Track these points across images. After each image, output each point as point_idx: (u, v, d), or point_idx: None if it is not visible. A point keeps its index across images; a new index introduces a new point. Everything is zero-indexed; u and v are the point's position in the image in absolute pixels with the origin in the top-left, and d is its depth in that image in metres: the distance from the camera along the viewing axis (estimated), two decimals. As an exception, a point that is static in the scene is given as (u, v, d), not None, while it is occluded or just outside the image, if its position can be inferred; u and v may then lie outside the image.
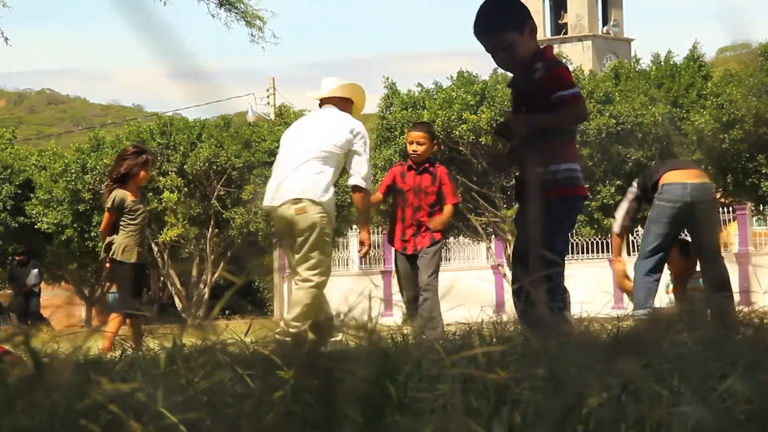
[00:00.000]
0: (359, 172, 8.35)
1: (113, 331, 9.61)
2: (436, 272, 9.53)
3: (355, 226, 35.47)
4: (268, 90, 43.33)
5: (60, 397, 1.95)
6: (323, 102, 8.64)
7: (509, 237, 28.34)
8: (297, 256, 8.20)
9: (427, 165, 9.43)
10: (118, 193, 9.90)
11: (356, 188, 8.40)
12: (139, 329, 9.72)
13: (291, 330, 7.96)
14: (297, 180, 8.18)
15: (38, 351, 2.03)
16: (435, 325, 8.81)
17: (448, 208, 9.47)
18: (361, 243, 8.63)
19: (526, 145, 5.53)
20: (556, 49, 38.23)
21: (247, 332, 3.07)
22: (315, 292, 8.12)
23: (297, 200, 8.12)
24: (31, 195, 32.00)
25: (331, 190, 8.29)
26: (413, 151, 9.40)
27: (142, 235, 9.97)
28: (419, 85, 29.46)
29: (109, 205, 9.87)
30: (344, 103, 8.63)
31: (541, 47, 5.67)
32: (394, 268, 9.85)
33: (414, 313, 9.09)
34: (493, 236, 29.55)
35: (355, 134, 8.40)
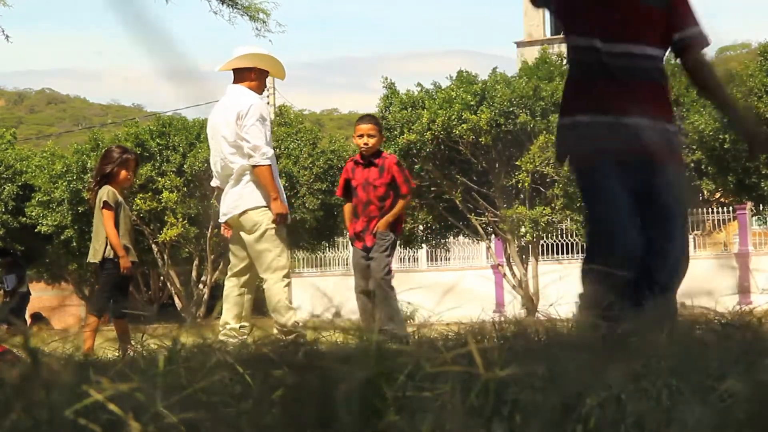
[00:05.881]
0: (251, 152, 8.24)
1: (90, 335, 9.55)
2: (387, 268, 9.24)
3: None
4: (268, 90, 43.30)
5: (59, 397, 1.95)
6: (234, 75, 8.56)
7: (509, 236, 28.33)
8: (254, 259, 8.32)
9: (373, 158, 9.30)
10: (108, 188, 9.81)
11: (255, 166, 8.28)
12: (124, 328, 9.66)
13: (286, 328, 8.01)
14: (233, 196, 8.35)
15: (37, 350, 2.03)
16: (397, 321, 8.75)
17: (399, 203, 9.29)
18: (278, 215, 8.31)
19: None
20: (556, 49, 38.21)
21: (251, 331, 3.06)
22: (278, 287, 8.20)
23: (241, 213, 8.30)
24: (32, 196, 31.99)
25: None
26: (364, 144, 9.23)
27: (127, 236, 9.89)
28: (419, 84, 29.47)
29: (106, 199, 9.76)
30: (250, 75, 8.46)
31: None
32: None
33: (365, 306, 9.00)
34: (492, 236, 29.55)
35: (241, 117, 8.27)
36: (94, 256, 9.84)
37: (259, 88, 8.49)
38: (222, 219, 8.65)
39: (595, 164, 4.58)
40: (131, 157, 10.05)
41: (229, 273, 8.56)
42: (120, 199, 9.88)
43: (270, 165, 8.28)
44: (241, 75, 8.46)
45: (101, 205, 9.77)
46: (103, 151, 10.57)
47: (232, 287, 8.46)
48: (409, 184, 9.45)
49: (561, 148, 4.85)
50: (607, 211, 4.48)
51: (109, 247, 9.77)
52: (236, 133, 8.29)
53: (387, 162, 9.33)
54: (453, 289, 23.69)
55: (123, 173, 9.90)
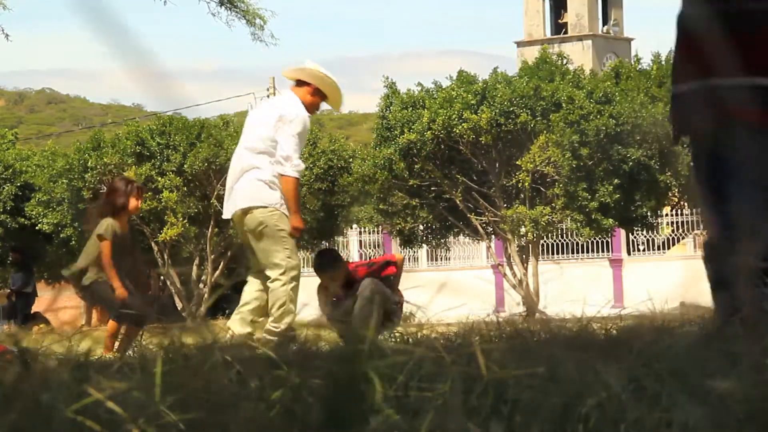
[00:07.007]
0: (282, 160, 8.24)
1: (109, 339, 9.61)
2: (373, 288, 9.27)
3: (355, 225, 35.46)
4: (268, 89, 43.31)
5: (59, 396, 1.94)
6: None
7: (509, 236, 28.33)
8: (260, 259, 8.28)
9: (348, 287, 9.29)
10: (109, 221, 9.87)
11: (283, 176, 8.28)
12: (134, 331, 9.67)
13: (273, 332, 7.96)
14: (240, 190, 8.31)
15: (30, 350, 2.03)
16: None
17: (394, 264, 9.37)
18: (294, 228, 8.35)
19: None
20: (556, 49, 38.21)
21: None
22: (285, 289, 8.15)
23: (245, 210, 8.26)
24: (32, 196, 31.99)
25: (275, 188, 8.28)
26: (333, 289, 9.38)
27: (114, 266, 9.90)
28: (419, 84, 29.46)
29: (102, 233, 9.81)
30: (308, 90, 8.48)
31: None
32: None
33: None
34: (493, 236, 29.55)
35: (279, 118, 8.28)
36: (84, 279, 9.96)
37: (311, 107, 8.50)
38: (226, 215, 8.58)
39: (720, 135, 3.80)
40: (138, 185, 10.26)
41: (250, 272, 8.52)
42: (119, 232, 9.92)
43: (298, 178, 8.31)
44: (300, 86, 8.50)
45: (98, 237, 9.88)
46: (109, 184, 10.73)
47: (251, 283, 8.44)
48: (387, 264, 9.40)
49: (680, 119, 4.00)
50: (740, 193, 3.77)
51: (95, 272, 9.87)
52: (267, 132, 8.30)
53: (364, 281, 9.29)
54: (453, 288, 23.65)
55: (132, 202, 10.00)
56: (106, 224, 9.83)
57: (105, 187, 10.77)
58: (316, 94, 8.47)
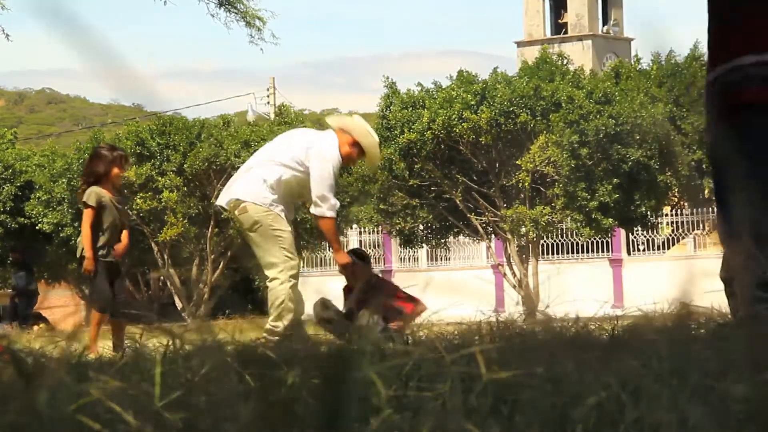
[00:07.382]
0: (315, 201, 8.30)
1: (94, 330, 9.63)
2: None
3: (355, 225, 35.45)
4: (268, 89, 43.33)
5: (57, 395, 1.94)
6: None
7: (509, 236, 28.32)
8: (258, 258, 8.32)
9: (368, 289, 9.25)
10: (94, 189, 9.93)
11: (315, 217, 8.40)
12: (120, 327, 9.71)
13: (273, 331, 7.97)
14: (242, 183, 8.34)
15: (28, 350, 2.03)
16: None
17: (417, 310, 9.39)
18: (341, 265, 8.57)
19: None
20: (556, 49, 38.19)
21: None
22: (284, 288, 8.17)
23: (238, 201, 8.28)
24: (32, 196, 31.98)
25: (275, 193, 8.29)
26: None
27: (110, 234, 9.94)
28: (419, 84, 29.45)
29: (86, 199, 9.89)
30: (348, 140, 8.50)
31: None
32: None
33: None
34: (493, 235, 29.54)
35: (311, 146, 8.34)
36: (78, 252, 10.08)
37: (346, 157, 8.51)
38: (219, 202, 8.63)
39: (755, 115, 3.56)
40: (122, 154, 10.25)
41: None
42: (105, 198, 9.95)
43: (335, 218, 8.37)
44: (342, 135, 8.50)
45: (83, 204, 10.00)
46: (92, 151, 10.72)
47: None
48: (411, 299, 9.38)
49: (712, 104, 3.76)
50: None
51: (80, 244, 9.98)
52: (292, 150, 8.35)
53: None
54: (452, 288, 23.69)
55: (115, 170, 10.02)
56: (90, 192, 9.92)
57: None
58: (355, 146, 8.51)
